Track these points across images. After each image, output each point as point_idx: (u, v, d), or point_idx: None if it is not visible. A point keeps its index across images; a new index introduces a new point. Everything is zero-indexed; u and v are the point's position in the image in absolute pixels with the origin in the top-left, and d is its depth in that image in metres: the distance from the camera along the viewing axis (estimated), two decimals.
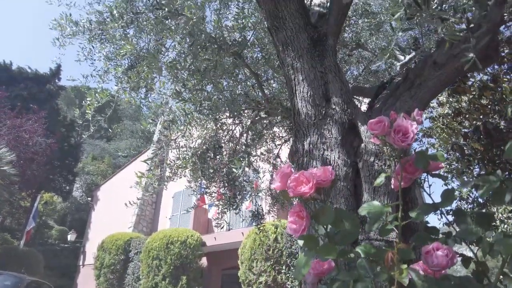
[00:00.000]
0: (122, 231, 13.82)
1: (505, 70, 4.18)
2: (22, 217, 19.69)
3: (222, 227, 4.07)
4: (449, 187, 5.32)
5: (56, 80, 25.84)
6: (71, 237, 19.16)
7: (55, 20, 3.18)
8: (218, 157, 3.64)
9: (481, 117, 4.32)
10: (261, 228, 4.15)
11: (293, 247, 8.09)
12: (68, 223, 23.92)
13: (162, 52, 3.03)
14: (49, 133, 19.21)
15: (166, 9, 2.84)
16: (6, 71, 22.79)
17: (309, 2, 3.05)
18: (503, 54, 3.89)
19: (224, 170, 3.58)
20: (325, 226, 0.94)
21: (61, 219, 24.25)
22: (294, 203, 1.03)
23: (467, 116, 4.58)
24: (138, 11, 3.06)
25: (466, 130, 4.71)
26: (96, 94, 3.05)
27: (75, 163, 25.13)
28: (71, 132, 25.76)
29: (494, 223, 5.49)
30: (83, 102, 3.14)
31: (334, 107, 2.04)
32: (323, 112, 2.03)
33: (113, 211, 16.38)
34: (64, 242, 20.39)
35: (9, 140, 15.89)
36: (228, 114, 3.52)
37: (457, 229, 1.02)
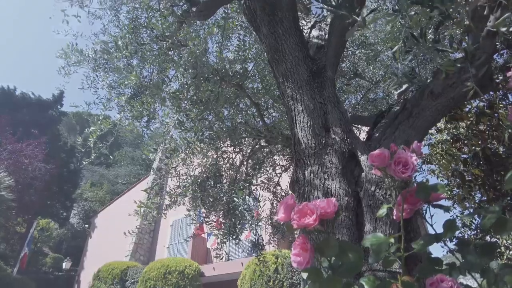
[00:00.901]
0: (118, 260, 13.49)
1: (500, 96, 4.26)
2: (17, 243, 19.29)
3: (222, 258, 3.98)
4: (451, 213, 5.26)
5: (58, 106, 26.19)
6: (66, 265, 18.64)
7: (62, 50, 3.29)
8: (218, 185, 3.63)
9: (479, 143, 4.35)
10: (261, 259, 4.05)
11: (294, 278, 7.87)
12: (63, 251, 23.35)
13: (166, 83, 3.10)
14: (49, 158, 19.21)
15: (170, 40, 2.95)
16: (10, 97, 23.16)
17: (307, 35, 3.16)
18: (497, 81, 3.98)
19: (224, 198, 3.56)
20: (329, 258, 0.94)
21: (57, 246, 23.71)
22: (296, 234, 1.03)
23: (465, 142, 4.62)
24: (143, 42, 3.17)
25: (465, 156, 4.73)
26: (99, 122, 3.09)
27: (74, 189, 24.94)
28: (71, 158, 25.77)
29: (499, 250, 5.38)
30: (85, 129, 3.18)
31: (334, 136, 2.07)
32: (323, 141, 2.06)
33: (110, 239, 16.07)
34: (58, 270, 19.82)
35: (8, 164, 15.88)
36: (228, 143, 3.55)
37: (460, 257, 1.01)
